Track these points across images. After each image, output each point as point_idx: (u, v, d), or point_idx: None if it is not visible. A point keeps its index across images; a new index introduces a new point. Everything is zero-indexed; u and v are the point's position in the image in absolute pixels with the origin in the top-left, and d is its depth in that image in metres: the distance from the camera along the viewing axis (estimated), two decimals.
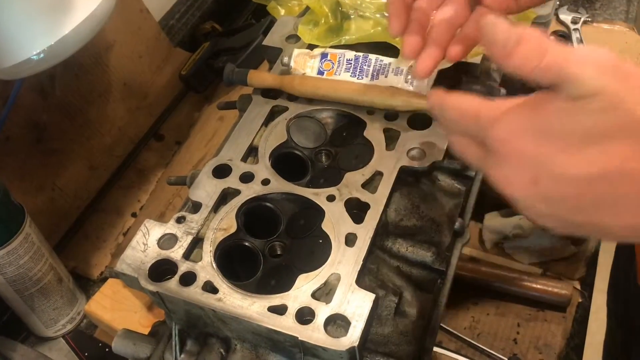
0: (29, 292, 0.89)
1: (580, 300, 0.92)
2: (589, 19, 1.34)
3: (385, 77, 0.71)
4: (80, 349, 0.98)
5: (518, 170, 0.41)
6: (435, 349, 0.86)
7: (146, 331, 0.71)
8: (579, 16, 1.34)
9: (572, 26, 1.32)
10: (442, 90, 0.48)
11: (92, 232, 1.10)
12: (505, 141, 0.42)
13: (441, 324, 0.91)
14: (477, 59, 0.75)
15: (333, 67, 0.74)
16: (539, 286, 0.91)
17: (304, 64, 0.75)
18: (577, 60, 0.39)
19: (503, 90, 0.83)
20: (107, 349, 0.97)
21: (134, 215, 1.12)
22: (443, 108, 0.47)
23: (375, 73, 0.71)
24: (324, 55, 0.75)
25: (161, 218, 1.03)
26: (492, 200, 1.04)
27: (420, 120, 0.68)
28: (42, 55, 0.69)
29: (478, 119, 0.44)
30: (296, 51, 0.76)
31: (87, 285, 1.05)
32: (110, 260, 1.08)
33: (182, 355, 0.61)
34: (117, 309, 0.94)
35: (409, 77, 0.70)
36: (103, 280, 1.02)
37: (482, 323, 0.92)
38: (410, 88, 0.70)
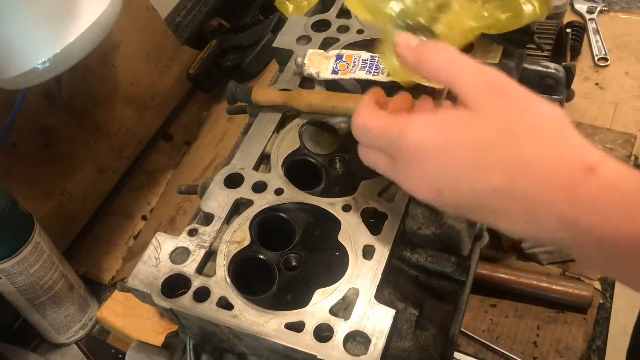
0: (40, 300, 0.88)
1: (601, 301, 0.90)
2: (605, 8, 1.31)
3: None
4: (93, 355, 0.97)
5: (424, 181, 0.45)
6: (455, 354, 0.84)
7: (159, 338, 0.70)
8: (595, 5, 1.30)
9: (587, 16, 1.29)
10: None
11: (102, 235, 1.09)
12: (412, 153, 0.45)
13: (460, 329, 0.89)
14: (495, 59, 0.72)
15: (348, 67, 0.72)
16: (558, 287, 0.89)
17: (318, 64, 0.72)
18: (461, 69, 0.45)
19: None
20: (120, 355, 0.96)
21: (144, 218, 1.11)
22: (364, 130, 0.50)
23: None
24: (339, 57, 0.73)
25: (172, 223, 1.01)
26: None
27: None
28: (47, 64, 0.67)
29: (387, 133, 0.47)
30: (310, 51, 0.74)
31: (98, 290, 1.04)
32: (121, 264, 1.06)
33: None
34: (130, 315, 0.93)
35: None
36: (114, 284, 1.01)
37: (501, 325, 0.90)
38: (428, 84, 0.68)
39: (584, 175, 0.39)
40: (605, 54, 1.23)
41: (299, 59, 0.72)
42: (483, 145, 0.42)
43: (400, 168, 0.47)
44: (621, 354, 0.86)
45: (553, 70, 0.88)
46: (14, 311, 0.91)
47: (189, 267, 0.58)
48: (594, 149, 0.41)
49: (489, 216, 0.44)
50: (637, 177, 0.39)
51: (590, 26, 1.27)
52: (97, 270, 1.05)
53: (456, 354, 0.84)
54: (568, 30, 1.09)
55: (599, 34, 1.26)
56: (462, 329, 0.89)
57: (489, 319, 0.91)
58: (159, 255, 0.59)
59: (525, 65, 0.86)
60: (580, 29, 1.23)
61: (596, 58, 1.23)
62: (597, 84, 1.19)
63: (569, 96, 1.16)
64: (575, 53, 1.23)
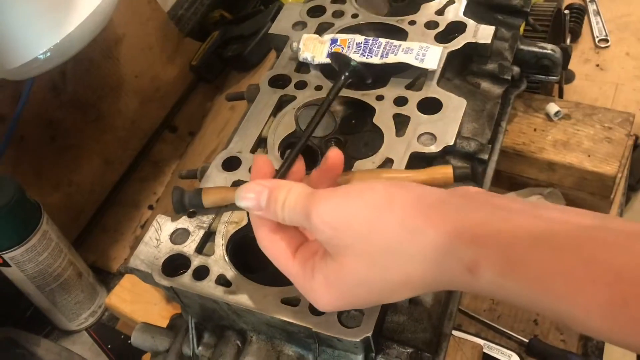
0: (49, 287, 0.90)
1: None
2: None
3: (395, 55, 0.70)
4: (103, 342, 0.99)
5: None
6: (455, 332, 0.85)
7: (166, 322, 0.72)
8: None
9: None
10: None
11: (109, 225, 1.12)
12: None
13: (460, 307, 0.90)
14: (487, 39, 0.73)
15: (343, 51, 0.73)
16: None
17: (313, 49, 0.74)
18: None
19: (516, 69, 0.81)
20: (129, 341, 0.97)
21: (150, 207, 1.13)
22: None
23: (385, 53, 0.70)
24: (333, 41, 0.74)
25: None
26: (508, 179, 1.03)
27: (430, 104, 0.67)
28: (48, 54, 0.69)
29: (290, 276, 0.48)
30: (305, 35, 0.75)
31: (107, 278, 1.06)
32: (128, 253, 1.08)
33: (200, 348, 0.62)
34: (137, 302, 0.95)
35: (420, 55, 0.69)
36: (122, 273, 1.03)
37: (501, 305, 0.91)
38: (421, 65, 0.69)
39: (470, 277, 0.38)
40: (606, 35, 1.23)
41: (294, 44, 0.74)
42: (366, 283, 0.43)
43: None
44: None
45: (549, 51, 0.88)
46: (25, 299, 0.94)
47: (189, 247, 0.60)
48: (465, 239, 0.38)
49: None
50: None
51: (591, 8, 1.27)
52: (106, 259, 1.07)
53: (457, 333, 0.86)
54: (566, 11, 1.10)
55: (599, 15, 1.26)
56: (463, 309, 0.91)
57: (489, 299, 0.92)
58: (160, 236, 0.61)
59: (522, 47, 0.87)
60: (580, 11, 1.23)
61: (597, 39, 1.23)
62: (597, 65, 1.19)
63: (569, 78, 1.17)
64: (576, 35, 1.23)
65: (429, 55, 0.69)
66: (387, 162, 0.63)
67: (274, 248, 0.48)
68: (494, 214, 0.38)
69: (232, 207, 0.62)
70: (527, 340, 0.86)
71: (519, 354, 0.85)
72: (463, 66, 0.77)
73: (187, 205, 0.62)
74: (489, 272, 0.37)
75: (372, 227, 0.41)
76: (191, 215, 0.62)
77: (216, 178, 0.65)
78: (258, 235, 0.48)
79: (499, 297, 0.38)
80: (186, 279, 0.57)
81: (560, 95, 1.08)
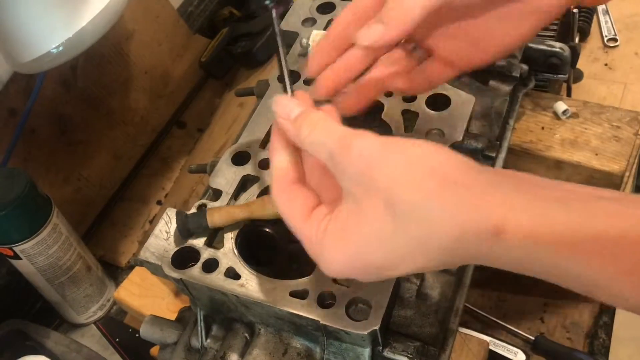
0: (59, 280, 0.91)
1: None
2: None
3: None
4: (111, 335, 1.00)
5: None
6: (461, 329, 0.85)
7: (174, 316, 0.72)
8: None
9: None
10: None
11: (118, 220, 1.12)
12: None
13: (466, 304, 0.90)
14: None
15: None
16: None
17: None
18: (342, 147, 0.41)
19: (525, 67, 0.81)
20: (137, 334, 0.98)
21: (159, 203, 1.14)
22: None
23: None
24: None
25: (185, 205, 1.04)
26: None
27: (439, 100, 0.67)
28: (61, 48, 0.70)
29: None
30: (314, 32, 0.75)
31: (115, 272, 1.07)
32: (137, 248, 1.09)
33: (208, 340, 0.62)
34: (145, 296, 0.95)
35: None
36: (131, 267, 1.04)
37: (508, 302, 0.91)
38: None
39: (493, 241, 0.36)
40: (615, 35, 1.23)
41: (304, 40, 0.74)
42: (382, 235, 0.40)
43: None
44: (628, 328, 0.87)
45: (558, 50, 0.88)
46: (35, 292, 0.95)
47: (198, 240, 0.60)
48: (495, 199, 0.37)
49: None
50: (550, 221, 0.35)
51: (600, 7, 1.27)
52: (114, 253, 1.08)
53: (464, 330, 0.86)
54: (575, 10, 1.10)
55: (608, 14, 1.26)
56: (469, 306, 0.91)
57: (496, 296, 0.92)
58: (170, 229, 0.61)
59: (530, 45, 0.87)
60: (589, 10, 1.23)
61: (605, 39, 1.23)
62: (606, 64, 1.19)
63: (577, 77, 1.16)
64: (584, 34, 1.23)
65: None
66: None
67: (290, 204, 0.45)
68: (521, 183, 0.38)
69: (236, 226, 0.62)
70: (533, 338, 0.86)
71: (525, 352, 0.85)
72: None
73: (191, 227, 0.60)
74: (516, 234, 0.36)
75: (401, 176, 0.39)
76: (201, 208, 0.63)
77: (226, 172, 0.65)
78: (275, 187, 0.46)
79: (521, 263, 0.37)
80: (196, 271, 0.58)
81: (569, 94, 1.07)
